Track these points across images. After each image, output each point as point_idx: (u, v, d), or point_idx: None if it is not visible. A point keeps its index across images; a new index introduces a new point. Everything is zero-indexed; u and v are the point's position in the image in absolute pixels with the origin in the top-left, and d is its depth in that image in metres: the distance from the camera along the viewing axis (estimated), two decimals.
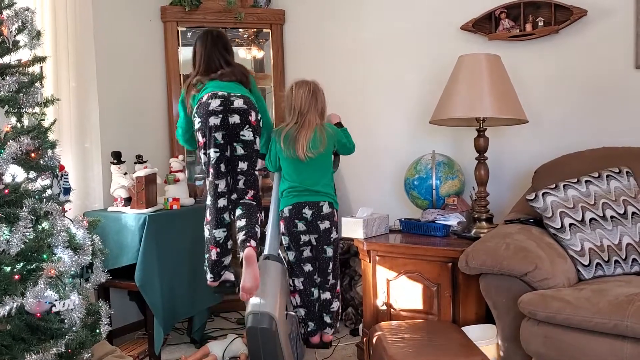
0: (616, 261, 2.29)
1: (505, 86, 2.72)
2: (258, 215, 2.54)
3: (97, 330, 2.08)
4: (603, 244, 2.30)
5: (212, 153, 2.47)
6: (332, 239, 2.61)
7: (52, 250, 1.97)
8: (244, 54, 4.03)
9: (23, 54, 2.11)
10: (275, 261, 2.54)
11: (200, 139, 2.50)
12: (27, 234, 1.88)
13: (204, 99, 2.45)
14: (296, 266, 2.62)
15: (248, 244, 2.37)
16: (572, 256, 2.30)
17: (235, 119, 2.43)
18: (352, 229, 2.87)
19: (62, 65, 2.96)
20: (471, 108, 2.68)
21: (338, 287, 2.71)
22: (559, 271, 2.19)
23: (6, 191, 1.91)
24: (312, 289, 2.64)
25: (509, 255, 2.17)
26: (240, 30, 3.90)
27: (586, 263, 2.28)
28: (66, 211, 2.20)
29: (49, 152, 2.08)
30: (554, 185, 2.42)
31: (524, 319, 2.08)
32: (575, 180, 2.43)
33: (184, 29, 3.75)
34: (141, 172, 2.96)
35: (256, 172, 2.60)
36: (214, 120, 2.42)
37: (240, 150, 2.49)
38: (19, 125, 2.05)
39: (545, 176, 2.70)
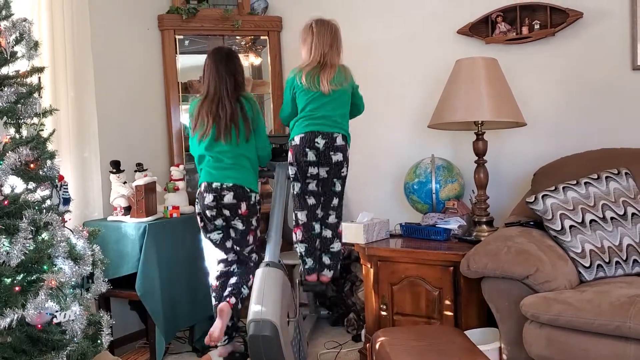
0: (617, 262, 2.28)
1: (503, 89, 2.73)
2: (250, 277, 2.62)
3: (99, 341, 2.08)
4: (604, 246, 2.30)
5: (215, 235, 2.63)
6: (342, 174, 2.52)
7: (53, 261, 1.97)
8: (242, 61, 4.03)
9: (21, 65, 2.11)
10: (275, 268, 2.53)
11: (200, 223, 2.64)
12: (27, 245, 1.87)
13: (202, 188, 2.57)
14: (300, 198, 2.54)
15: (228, 299, 2.54)
16: (573, 258, 2.30)
17: (226, 212, 2.56)
18: (352, 234, 2.86)
19: (60, 75, 2.96)
20: (469, 112, 2.68)
21: (340, 227, 2.62)
22: (561, 273, 2.19)
23: (6, 202, 1.91)
24: (314, 223, 2.56)
25: (510, 259, 2.17)
26: (238, 37, 3.91)
27: (587, 265, 2.28)
28: (66, 221, 2.20)
29: (48, 162, 2.08)
30: (553, 188, 2.42)
31: (526, 322, 2.07)
32: (575, 182, 2.43)
33: (182, 37, 3.76)
34: (140, 180, 2.96)
35: (249, 253, 2.67)
36: (210, 213, 2.56)
37: (234, 235, 2.64)
38: (17, 136, 2.05)
39: (544, 178, 2.70)
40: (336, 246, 2.59)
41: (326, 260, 2.58)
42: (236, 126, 2.55)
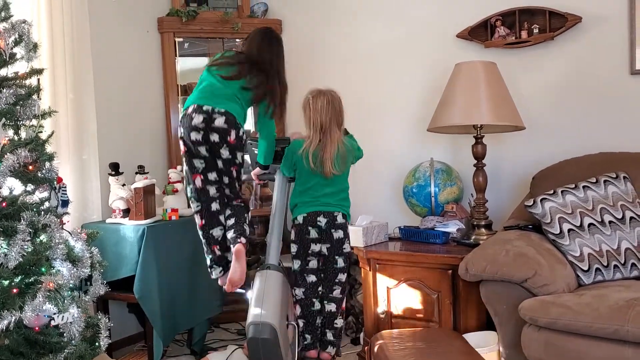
0: (615, 266, 2.29)
1: (502, 93, 2.73)
2: (246, 215, 2.55)
3: (97, 343, 2.08)
4: (602, 249, 2.30)
5: (198, 163, 2.50)
6: (344, 250, 2.59)
7: (51, 263, 1.96)
8: None
9: (20, 67, 2.11)
10: (276, 271, 2.53)
11: (182, 147, 2.53)
12: (25, 247, 1.87)
13: (189, 110, 2.46)
14: (300, 276, 2.60)
15: (239, 240, 2.44)
16: (571, 262, 2.30)
17: (215, 137, 2.44)
18: (351, 237, 2.86)
19: (60, 77, 2.96)
20: (468, 115, 2.69)
21: (344, 304, 2.65)
22: (559, 277, 2.19)
23: (4, 204, 1.91)
24: (314, 300, 2.60)
25: (508, 262, 2.17)
26: (238, 40, 3.91)
27: (585, 268, 2.28)
28: (64, 223, 2.20)
29: (47, 164, 2.08)
30: (552, 191, 2.43)
31: (524, 325, 2.07)
32: (573, 185, 2.44)
33: (181, 39, 3.76)
34: (139, 183, 2.95)
35: (236, 187, 2.57)
36: (195, 136, 2.43)
37: (220, 165, 2.51)
38: (16, 137, 2.05)
39: (543, 182, 2.70)
40: (339, 322, 2.61)
41: (330, 336, 2.58)
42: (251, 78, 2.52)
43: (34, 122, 2.09)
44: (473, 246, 2.55)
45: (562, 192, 2.41)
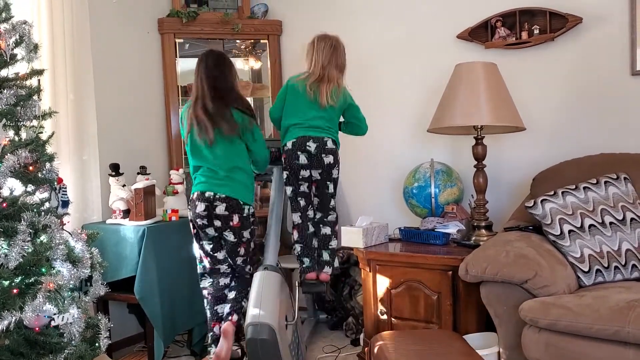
0: (616, 267, 2.28)
1: (502, 94, 2.73)
2: (249, 289, 2.58)
3: (97, 344, 2.07)
4: (602, 250, 2.30)
5: (206, 245, 2.63)
6: (333, 176, 2.61)
7: (51, 263, 1.96)
8: (242, 65, 4.04)
9: (21, 67, 2.11)
10: (273, 271, 2.53)
11: (192, 230, 2.64)
12: (26, 247, 1.87)
13: (194, 196, 2.56)
14: (293, 200, 2.63)
15: (230, 317, 2.57)
16: (572, 263, 2.30)
17: (218, 223, 2.54)
18: (351, 238, 2.86)
19: (60, 78, 2.97)
20: (469, 116, 2.69)
21: (337, 226, 2.71)
22: (559, 278, 2.18)
23: (4, 205, 1.91)
24: (307, 223, 2.64)
25: (509, 263, 2.17)
26: (238, 41, 3.92)
27: (586, 269, 2.28)
28: (65, 224, 2.20)
29: (47, 164, 2.08)
30: (552, 192, 2.42)
31: (525, 327, 2.07)
32: (574, 186, 2.43)
33: (182, 40, 3.76)
34: (140, 183, 2.95)
35: (241, 263, 2.64)
36: (201, 222, 2.55)
37: (227, 245, 2.62)
38: (17, 138, 2.05)
39: (543, 183, 2.70)
40: (334, 243, 2.67)
41: (325, 256, 2.63)
42: (217, 125, 2.51)
43: (35, 122, 2.09)
44: (473, 247, 2.54)
45: (562, 193, 2.41)
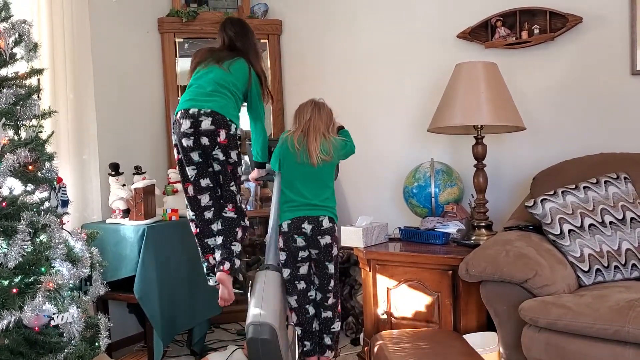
0: (616, 267, 2.28)
1: (503, 94, 2.73)
2: (237, 229, 2.51)
3: (96, 344, 2.08)
4: (602, 250, 2.30)
5: (190, 171, 2.50)
6: (332, 255, 2.58)
7: (51, 263, 1.96)
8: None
9: (20, 67, 2.11)
10: (275, 271, 2.53)
11: (176, 155, 2.54)
12: (25, 247, 1.87)
13: (178, 116, 2.47)
14: (290, 284, 2.59)
15: (222, 267, 2.46)
16: (571, 262, 2.29)
17: (205, 140, 2.42)
18: (351, 237, 2.86)
19: (60, 77, 2.96)
20: (469, 116, 2.68)
21: (339, 307, 2.67)
22: (559, 277, 2.18)
23: (4, 204, 1.91)
24: (307, 307, 2.60)
25: (509, 262, 2.17)
26: None
27: (586, 269, 2.28)
28: (64, 223, 2.20)
29: (47, 164, 2.08)
30: (552, 192, 2.42)
31: (525, 326, 2.07)
32: (574, 186, 2.43)
33: (181, 40, 3.76)
34: (139, 183, 2.95)
35: (232, 188, 2.52)
36: (187, 142, 2.43)
37: (216, 167, 2.50)
38: (16, 137, 2.05)
39: (543, 183, 2.70)
40: (336, 326, 2.64)
41: (327, 340, 2.62)
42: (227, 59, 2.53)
43: (34, 122, 2.09)
44: (473, 247, 2.54)
45: (562, 192, 2.41)
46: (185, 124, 2.40)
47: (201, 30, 3.71)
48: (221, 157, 2.44)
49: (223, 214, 2.53)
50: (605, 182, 2.42)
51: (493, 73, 2.75)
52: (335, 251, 2.58)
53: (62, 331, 1.92)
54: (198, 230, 2.58)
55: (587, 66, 2.93)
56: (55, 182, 2.15)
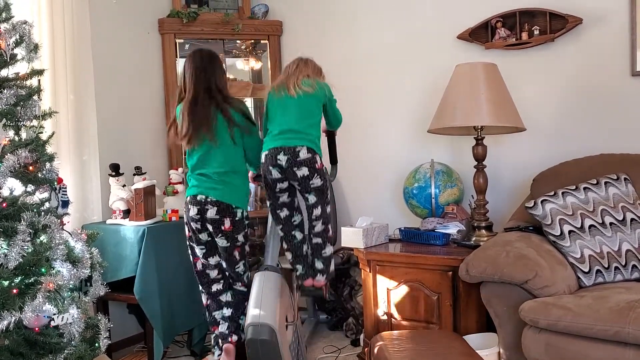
0: (616, 268, 2.28)
1: (503, 94, 2.73)
2: (245, 303, 2.55)
3: (96, 344, 2.08)
4: (603, 251, 2.30)
5: (198, 250, 2.59)
6: (311, 186, 2.45)
7: (51, 263, 1.96)
8: (242, 65, 4.04)
9: (21, 67, 2.12)
10: (274, 272, 2.53)
11: (187, 232, 2.60)
12: (25, 247, 1.87)
13: (188, 199, 2.53)
14: (273, 213, 2.57)
15: (229, 339, 2.55)
16: (572, 263, 2.29)
17: (210, 227, 2.51)
18: (351, 238, 2.86)
19: (60, 78, 2.97)
20: (469, 117, 2.68)
21: (330, 232, 2.59)
22: (559, 278, 2.18)
23: (4, 205, 1.91)
24: (293, 232, 2.57)
25: (509, 263, 2.17)
26: (238, 41, 3.92)
27: (586, 270, 2.28)
28: (64, 224, 2.20)
29: (47, 164, 2.08)
30: (552, 193, 2.42)
31: (525, 327, 2.07)
32: (574, 187, 2.43)
33: (182, 41, 3.76)
34: (140, 184, 2.95)
35: (238, 270, 2.59)
36: (195, 225, 2.52)
37: (222, 251, 2.57)
38: (17, 138, 2.05)
39: (543, 184, 2.70)
40: (328, 251, 2.59)
41: (319, 265, 2.58)
42: (212, 127, 2.47)
43: (35, 122, 2.09)
44: (473, 248, 2.54)
45: (562, 193, 2.41)
46: (193, 210, 2.50)
47: (201, 31, 3.71)
48: (224, 244, 2.53)
49: (234, 286, 2.65)
50: (606, 183, 2.42)
51: (493, 74, 2.75)
52: (316, 182, 2.44)
53: (62, 332, 1.92)
54: (208, 302, 2.68)
55: (587, 67, 2.93)
56: (55, 183, 2.15)
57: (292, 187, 2.53)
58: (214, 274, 2.63)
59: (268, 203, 2.58)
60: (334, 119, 2.69)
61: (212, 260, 2.60)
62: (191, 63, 2.53)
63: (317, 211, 2.52)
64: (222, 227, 2.48)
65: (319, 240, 2.56)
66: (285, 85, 2.52)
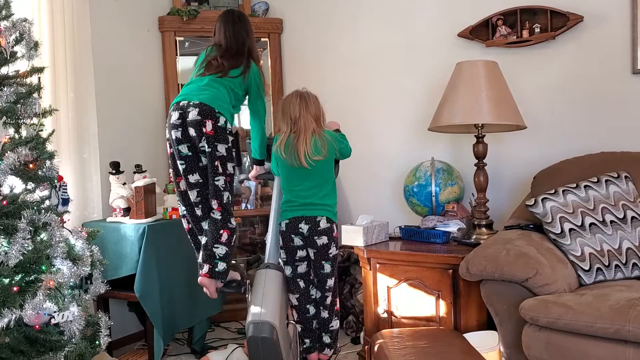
0: (616, 266, 2.28)
1: (503, 92, 2.73)
2: (222, 232, 2.44)
3: (97, 342, 2.08)
4: (603, 249, 2.30)
5: (179, 165, 2.46)
6: (330, 255, 2.55)
7: (51, 261, 1.96)
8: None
9: (21, 65, 2.11)
10: (275, 269, 2.53)
11: (168, 149, 2.52)
12: (26, 245, 1.87)
13: (170, 110, 2.46)
14: (292, 282, 2.59)
15: (200, 270, 2.46)
16: (572, 261, 2.29)
17: (192, 131, 2.37)
18: (352, 236, 2.86)
19: (60, 75, 2.97)
20: (469, 114, 2.68)
21: (337, 305, 2.66)
22: (560, 276, 2.18)
23: (4, 202, 1.91)
24: (308, 306, 2.60)
25: (509, 261, 2.17)
26: None
27: (587, 268, 2.28)
28: (65, 222, 2.20)
29: (48, 162, 2.08)
30: (553, 191, 2.42)
31: (525, 325, 2.07)
32: (574, 185, 2.43)
33: (182, 38, 3.76)
34: (140, 182, 2.95)
35: (217, 183, 2.42)
36: (175, 134, 2.40)
37: (203, 161, 2.45)
38: (17, 136, 2.05)
39: (544, 182, 2.70)
40: (335, 324, 2.63)
41: (326, 339, 2.62)
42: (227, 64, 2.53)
43: (35, 120, 2.09)
44: (474, 246, 2.54)
45: (563, 191, 2.41)
46: (175, 115, 2.40)
47: (202, 29, 3.70)
48: (207, 148, 2.38)
49: (211, 214, 2.47)
50: (606, 181, 2.42)
51: (494, 72, 2.75)
52: (333, 251, 2.56)
53: (62, 329, 1.93)
54: (190, 226, 2.58)
55: (588, 65, 2.92)
56: (55, 181, 2.15)
57: (308, 258, 2.57)
58: (193, 195, 2.46)
59: (288, 270, 2.58)
60: (345, 157, 2.69)
61: (192, 178, 2.44)
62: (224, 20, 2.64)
63: (331, 282, 2.59)
64: (204, 129, 2.34)
65: (326, 314, 2.61)
66: (295, 151, 2.46)
